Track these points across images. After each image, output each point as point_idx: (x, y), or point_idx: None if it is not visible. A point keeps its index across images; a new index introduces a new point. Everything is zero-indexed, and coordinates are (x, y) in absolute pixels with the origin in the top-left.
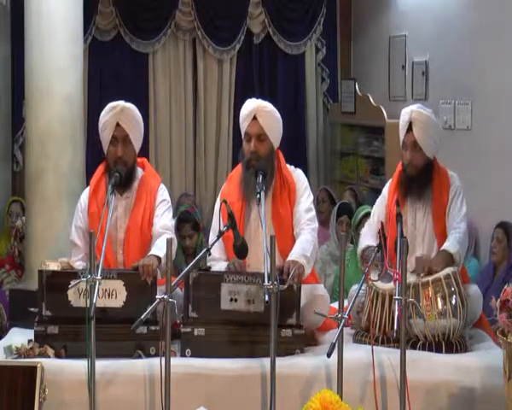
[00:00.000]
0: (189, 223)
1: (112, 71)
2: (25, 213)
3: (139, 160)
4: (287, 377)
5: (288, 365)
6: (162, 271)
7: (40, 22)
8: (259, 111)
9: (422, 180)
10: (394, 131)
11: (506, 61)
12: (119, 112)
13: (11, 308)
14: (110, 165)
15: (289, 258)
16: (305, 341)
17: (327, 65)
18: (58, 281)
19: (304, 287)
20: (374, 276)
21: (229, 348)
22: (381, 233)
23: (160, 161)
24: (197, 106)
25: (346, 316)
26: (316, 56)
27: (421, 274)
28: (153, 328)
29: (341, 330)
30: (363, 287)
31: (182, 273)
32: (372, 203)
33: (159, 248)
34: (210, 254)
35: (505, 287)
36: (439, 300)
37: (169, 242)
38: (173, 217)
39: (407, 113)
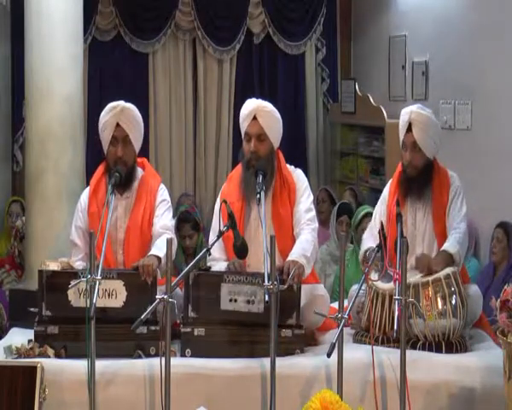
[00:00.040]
0: (189, 223)
1: (112, 71)
2: (25, 213)
3: (139, 160)
4: (287, 377)
5: (287, 365)
6: (162, 271)
7: (40, 22)
8: (259, 111)
9: (422, 180)
10: (394, 131)
11: (506, 61)
12: (119, 112)
13: (11, 308)
14: (110, 165)
15: (289, 258)
16: (305, 341)
17: (327, 65)
18: (58, 281)
19: (304, 287)
20: (374, 276)
21: (229, 348)
22: (381, 233)
23: (160, 161)
24: (197, 106)
25: (346, 316)
26: (316, 56)
27: (422, 274)
28: (153, 328)
29: (341, 330)
30: (363, 287)
31: (182, 273)
32: (372, 203)
33: (159, 248)
34: (210, 254)
35: (505, 287)
36: (439, 300)
37: (169, 242)
38: (173, 217)
39: (407, 113)
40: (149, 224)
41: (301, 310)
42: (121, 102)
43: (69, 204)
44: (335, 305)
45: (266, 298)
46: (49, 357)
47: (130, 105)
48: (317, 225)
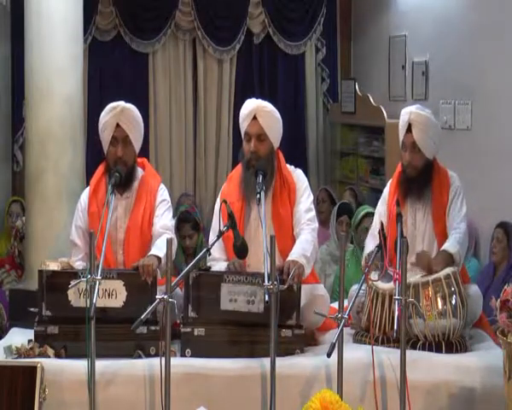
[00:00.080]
0: (189, 223)
1: (112, 71)
2: (25, 213)
3: (139, 160)
4: (287, 377)
5: (287, 365)
6: (162, 271)
7: (40, 22)
8: (259, 111)
9: (422, 181)
10: (394, 132)
11: (506, 61)
12: (119, 112)
13: (11, 308)
14: (110, 165)
15: (289, 258)
16: (305, 341)
17: (327, 65)
18: (58, 281)
19: (304, 287)
20: (374, 276)
21: (229, 348)
22: (381, 233)
23: (160, 161)
24: (197, 106)
25: (346, 316)
26: (316, 56)
27: (422, 273)
28: (153, 328)
29: (341, 330)
30: (363, 287)
31: (182, 273)
32: (372, 203)
33: (159, 248)
34: (210, 254)
35: (505, 287)
36: (439, 300)
37: (169, 242)
38: (173, 217)
39: (406, 113)
40: (149, 224)
41: (301, 310)
42: (121, 103)
43: (69, 204)
44: (335, 305)
45: (266, 298)
46: (49, 357)
47: (130, 105)
48: (317, 225)
